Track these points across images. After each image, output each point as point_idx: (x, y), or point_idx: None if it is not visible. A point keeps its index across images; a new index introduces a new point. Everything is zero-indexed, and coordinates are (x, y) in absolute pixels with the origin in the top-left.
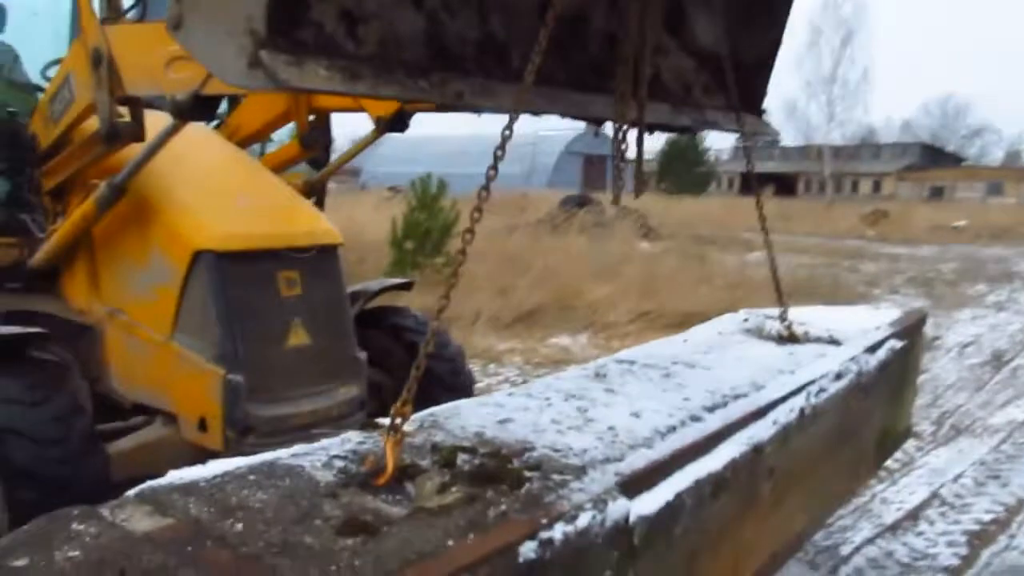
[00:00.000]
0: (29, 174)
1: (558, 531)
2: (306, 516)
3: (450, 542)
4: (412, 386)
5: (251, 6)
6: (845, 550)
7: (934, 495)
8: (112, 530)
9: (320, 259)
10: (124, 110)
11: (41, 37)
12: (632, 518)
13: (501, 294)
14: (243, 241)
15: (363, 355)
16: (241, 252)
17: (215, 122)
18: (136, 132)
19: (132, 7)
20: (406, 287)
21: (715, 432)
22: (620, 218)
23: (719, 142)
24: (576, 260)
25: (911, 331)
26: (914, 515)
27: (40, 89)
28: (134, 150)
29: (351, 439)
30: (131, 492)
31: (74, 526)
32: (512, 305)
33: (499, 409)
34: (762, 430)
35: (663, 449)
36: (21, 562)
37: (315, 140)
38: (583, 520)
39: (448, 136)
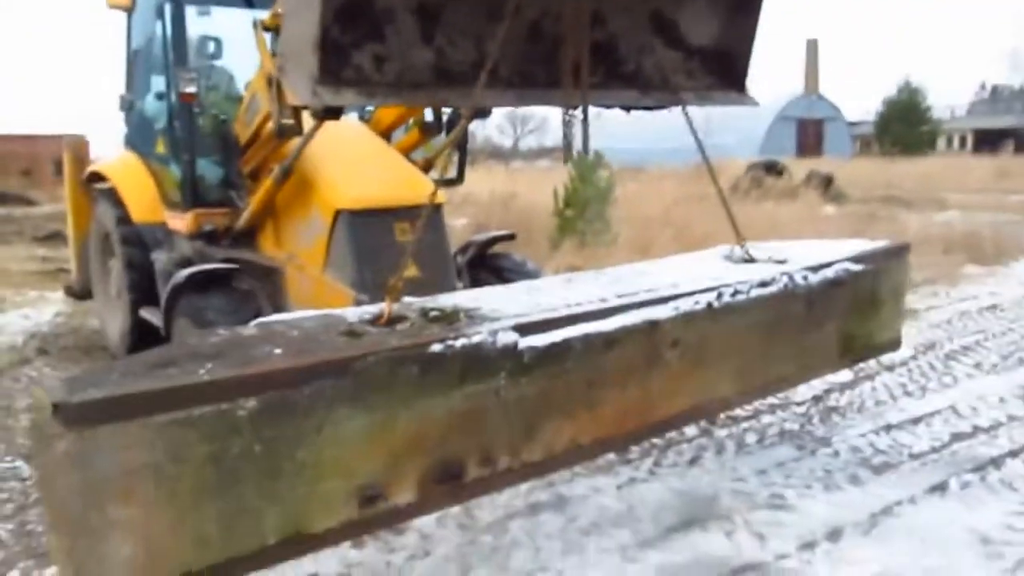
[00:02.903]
0: (234, 163)
1: (459, 342)
2: (328, 329)
3: (393, 341)
4: (401, 269)
5: (310, 63)
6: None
7: None
8: (233, 334)
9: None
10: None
11: (246, 61)
12: (521, 346)
13: (641, 251)
14: (369, 202)
15: (460, 285)
16: (368, 210)
17: (367, 118)
18: (296, 129)
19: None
20: (509, 238)
21: (611, 307)
22: (808, 184)
23: (948, 98)
24: (741, 223)
25: (878, 258)
26: None
27: None
28: (297, 142)
29: (384, 307)
30: (252, 323)
31: (218, 332)
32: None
33: (479, 294)
34: (660, 311)
35: (561, 312)
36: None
37: (429, 128)
38: (476, 339)
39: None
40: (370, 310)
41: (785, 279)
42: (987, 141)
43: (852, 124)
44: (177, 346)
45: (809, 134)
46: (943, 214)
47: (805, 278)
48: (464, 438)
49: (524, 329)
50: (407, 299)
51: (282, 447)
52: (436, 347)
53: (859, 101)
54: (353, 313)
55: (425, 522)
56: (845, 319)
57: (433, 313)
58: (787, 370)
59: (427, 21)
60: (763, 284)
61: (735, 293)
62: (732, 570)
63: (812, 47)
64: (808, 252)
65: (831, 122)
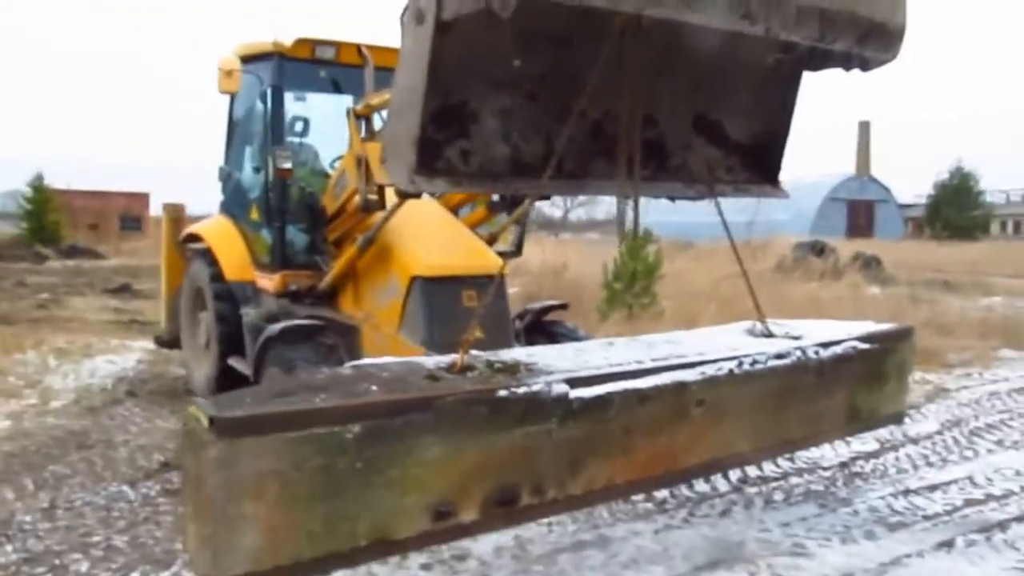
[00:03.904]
0: (320, 231)
1: (520, 390)
2: (413, 374)
3: (467, 386)
4: (472, 329)
5: (409, 155)
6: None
7: None
8: (335, 373)
9: (490, 283)
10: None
11: (331, 140)
12: (571, 396)
13: (686, 324)
14: (440, 270)
15: (519, 346)
16: (439, 277)
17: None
18: (381, 204)
19: (380, 132)
20: (562, 307)
21: (646, 368)
22: (854, 264)
23: (1003, 183)
24: (783, 301)
25: (886, 339)
26: None
27: (329, 175)
28: (380, 215)
29: (456, 358)
30: (347, 364)
31: (321, 371)
32: None
33: (535, 351)
34: (688, 374)
35: (604, 370)
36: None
37: (495, 206)
38: (534, 388)
39: None
40: (444, 360)
41: (798, 352)
42: None
43: (904, 206)
44: (291, 380)
45: (859, 215)
46: (987, 299)
47: (816, 352)
48: (520, 470)
49: (574, 382)
50: (474, 352)
51: (378, 465)
52: (502, 393)
53: (911, 184)
54: (430, 361)
55: (483, 552)
56: (852, 391)
57: (497, 365)
58: (798, 433)
59: (505, 122)
60: (779, 356)
61: (754, 362)
62: None
63: (864, 129)
64: (822, 330)
65: (882, 204)
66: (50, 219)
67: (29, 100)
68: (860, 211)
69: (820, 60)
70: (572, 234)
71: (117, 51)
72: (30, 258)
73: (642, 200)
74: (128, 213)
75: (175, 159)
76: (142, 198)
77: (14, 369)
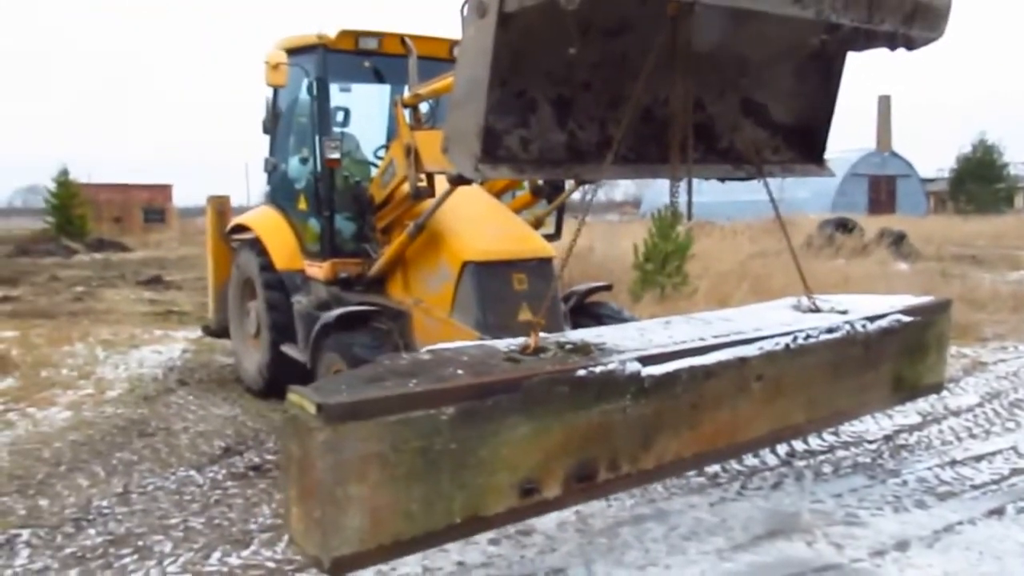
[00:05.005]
0: (368, 219)
1: (597, 369)
2: (492, 356)
3: (548, 367)
4: (543, 309)
5: (474, 145)
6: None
7: None
8: (415, 358)
9: (539, 266)
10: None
11: (371, 130)
12: (643, 374)
13: (720, 303)
14: (491, 255)
15: (568, 328)
16: (490, 262)
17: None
18: (430, 192)
19: (427, 122)
20: (606, 288)
21: (708, 345)
22: (880, 241)
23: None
24: (813, 278)
25: (926, 312)
26: None
27: (371, 164)
28: (429, 202)
29: (526, 341)
30: (423, 349)
31: (406, 355)
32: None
33: (601, 331)
34: (748, 350)
35: (671, 348)
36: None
37: (539, 191)
38: (610, 367)
39: None
40: (515, 342)
41: (847, 327)
42: None
43: (926, 181)
44: (379, 366)
45: (881, 191)
46: (1017, 273)
47: (864, 326)
48: (598, 446)
49: (645, 360)
50: (542, 334)
51: (470, 445)
52: (581, 372)
53: (933, 157)
54: (502, 344)
55: (547, 527)
56: (896, 362)
57: (568, 346)
58: (848, 404)
59: (561, 109)
60: (829, 330)
61: (807, 337)
62: (813, 570)
63: (884, 103)
64: (865, 304)
65: (904, 179)
66: (76, 213)
67: (37, 100)
68: (881, 186)
69: (865, 40)
70: (592, 216)
71: (120, 51)
72: (58, 252)
73: (661, 182)
74: (151, 205)
75: (188, 153)
76: (165, 190)
77: (65, 361)
